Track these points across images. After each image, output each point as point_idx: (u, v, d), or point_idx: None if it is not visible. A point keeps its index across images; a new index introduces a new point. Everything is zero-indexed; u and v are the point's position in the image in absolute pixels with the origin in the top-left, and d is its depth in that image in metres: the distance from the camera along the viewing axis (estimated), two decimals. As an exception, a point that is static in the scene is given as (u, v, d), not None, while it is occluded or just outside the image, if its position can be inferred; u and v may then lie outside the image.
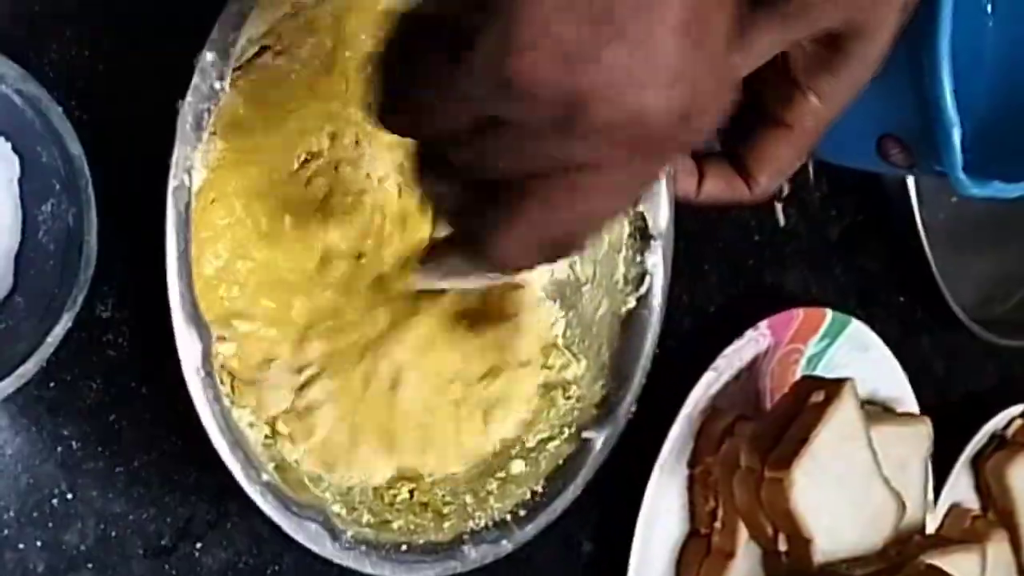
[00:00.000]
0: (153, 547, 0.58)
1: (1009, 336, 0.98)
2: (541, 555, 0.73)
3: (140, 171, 0.51)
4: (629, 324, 0.68)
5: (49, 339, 0.48)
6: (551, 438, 0.67)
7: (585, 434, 0.67)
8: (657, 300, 0.69)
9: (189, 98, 0.50)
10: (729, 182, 0.62)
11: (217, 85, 0.51)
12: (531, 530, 0.64)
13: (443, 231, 0.50)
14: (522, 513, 0.64)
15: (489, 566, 0.69)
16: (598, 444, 0.66)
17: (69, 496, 0.55)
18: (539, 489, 0.65)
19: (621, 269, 0.69)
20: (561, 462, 0.66)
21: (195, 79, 0.50)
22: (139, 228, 0.51)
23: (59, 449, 0.55)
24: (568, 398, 0.68)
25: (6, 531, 0.54)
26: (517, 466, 0.65)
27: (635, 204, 0.59)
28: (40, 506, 0.55)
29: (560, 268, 0.69)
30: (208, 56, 0.50)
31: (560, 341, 0.69)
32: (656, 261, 0.68)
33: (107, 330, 0.55)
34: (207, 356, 0.51)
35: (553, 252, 0.42)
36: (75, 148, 0.48)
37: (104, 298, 0.53)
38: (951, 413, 0.95)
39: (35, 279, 0.50)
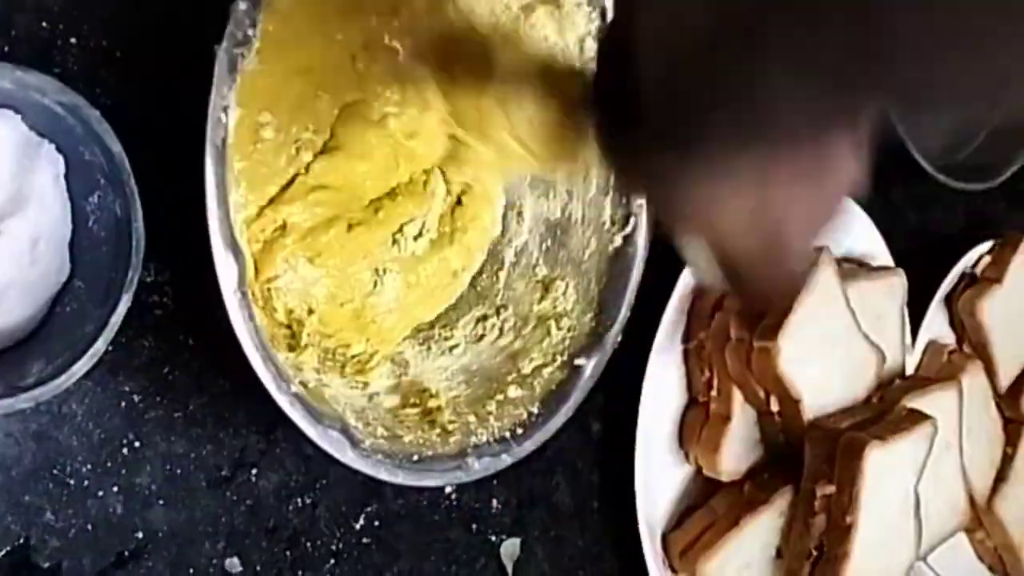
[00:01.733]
0: (214, 478, 0.64)
1: (972, 179, 1.03)
2: (556, 440, 0.80)
3: (165, 143, 0.56)
4: (616, 261, 0.74)
5: (113, 319, 0.53)
6: (544, 365, 0.72)
7: (577, 361, 0.72)
8: (641, 238, 0.74)
9: (224, 43, 0.54)
10: None
11: (250, 32, 0.55)
12: (529, 445, 0.70)
13: None
14: (520, 431, 0.70)
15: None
16: (588, 370, 0.72)
17: (136, 444, 0.62)
18: (535, 410, 0.71)
19: (608, 211, 0.74)
20: (554, 387, 0.72)
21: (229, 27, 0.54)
22: (170, 194, 0.56)
23: (123, 403, 0.61)
24: (560, 329, 0.73)
25: (86, 481, 0.60)
26: (514, 391, 0.71)
27: None
28: (112, 456, 0.61)
29: (553, 209, 0.75)
30: (242, 5, 0.54)
31: (551, 275, 0.75)
32: (641, 202, 0.73)
33: (153, 293, 0.61)
34: (242, 278, 0.56)
35: None
36: (115, 146, 0.53)
37: (147, 265, 0.58)
38: (925, 258, 1.01)
39: (90, 264, 0.55)
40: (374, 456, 0.62)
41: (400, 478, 0.63)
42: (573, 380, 0.72)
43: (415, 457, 0.64)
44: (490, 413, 0.69)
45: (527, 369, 0.72)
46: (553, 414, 0.71)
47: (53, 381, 0.52)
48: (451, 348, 0.72)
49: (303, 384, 0.62)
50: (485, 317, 0.73)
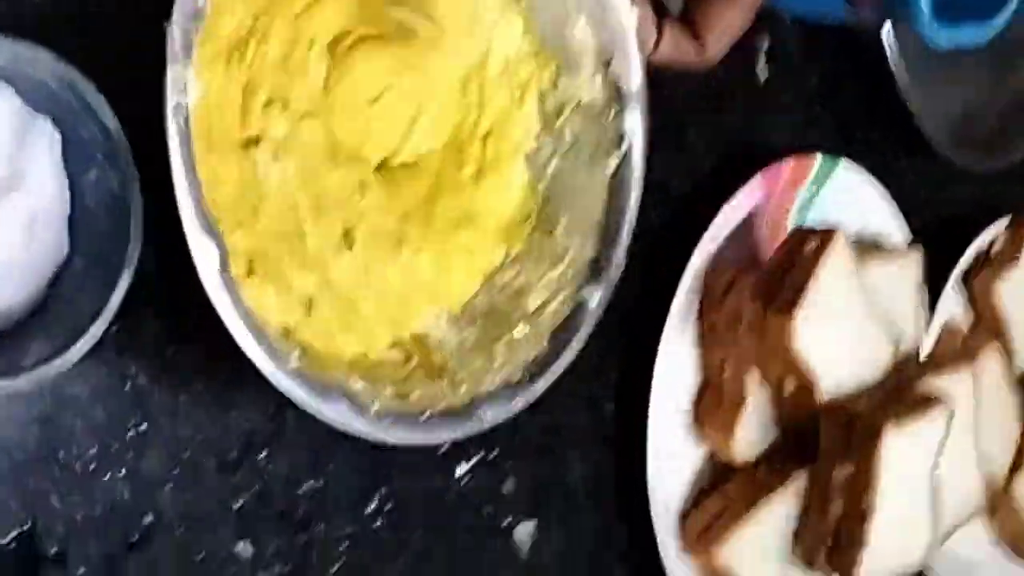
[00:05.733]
0: (223, 461, 0.64)
1: (986, 159, 1.02)
2: (567, 419, 0.79)
3: (162, 119, 0.54)
4: (613, 186, 0.71)
5: (114, 297, 0.52)
6: (548, 301, 0.70)
7: (581, 294, 0.70)
8: (638, 159, 0.71)
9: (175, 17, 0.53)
10: (681, 44, 0.69)
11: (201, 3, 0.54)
12: (540, 386, 0.68)
13: None
14: (529, 373, 0.68)
15: (521, 431, 0.75)
16: (594, 302, 0.70)
17: (142, 427, 0.61)
18: (543, 350, 0.68)
19: (600, 133, 0.71)
20: (561, 322, 0.69)
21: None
22: (169, 170, 0.55)
23: (128, 385, 0.60)
24: (562, 262, 0.71)
25: (92, 465, 0.59)
26: (520, 330, 0.69)
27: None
28: (119, 439, 0.60)
29: (542, 136, 0.73)
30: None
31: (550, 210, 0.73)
32: (633, 122, 0.71)
33: (155, 272, 0.59)
34: (224, 262, 0.55)
35: None
36: (112, 122, 0.52)
37: (149, 243, 0.56)
38: (938, 239, 1.00)
39: (90, 242, 0.54)
40: (384, 420, 0.60)
41: (411, 439, 0.62)
42: (579, 315, 0.70)
43: (424, 416, 0.63)
44: (498, 356, 0.67)
45: (532, 306, 0.70)
46: (562, 352, 0.69)
47: (54, 361, 0.51)
48: None
49: (303, 350, 0.60)
50: None
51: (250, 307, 0.56)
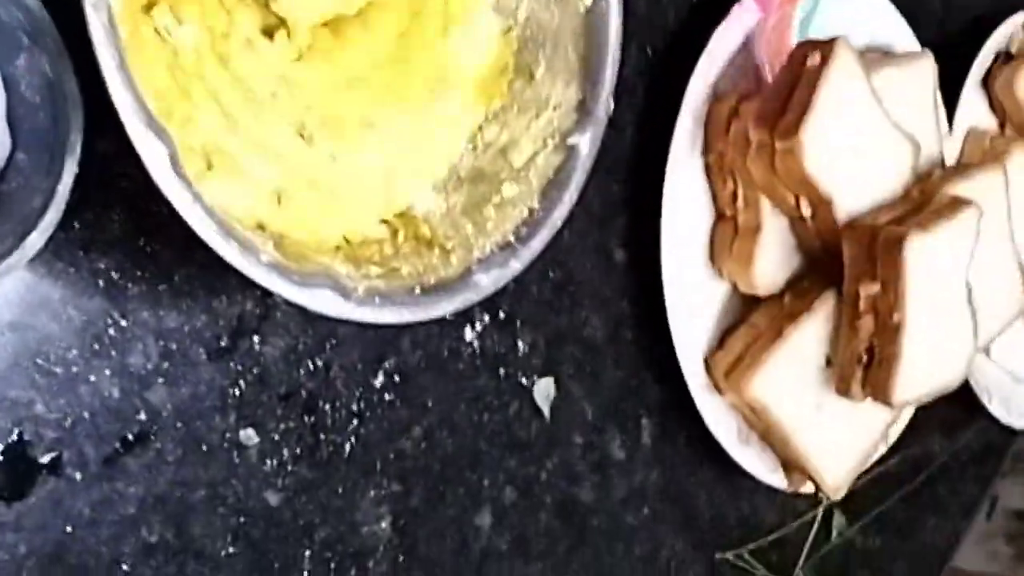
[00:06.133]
0: (214, 349, 0.61)
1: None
2: (578, 271, 0.76)
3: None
4: (591, 21, 0.67)
5: (60, 187, 0.49)
6: (536, 153, 0.66)
7: (570, 140, 0.66)
8: None
9: None
10: None
11: None
12: (536, 245, 0.64)
13: None
14: (523, 232, 0.64)
15: (531, 289, 0.72)
16: (584, 148, 0.66)
17: (123, 323, 0.58)
18: (536, 205, 0.65)
19: None
20: (552, 174, 0.66)
21: None
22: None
23: (101, 282, 0.58)
24: (546, 109, 0.67)
25: (74, 368, 0.57)
26: (509, 189, 0.65)
27: None
28: (99, 338, 0.58)
29: None
30: None
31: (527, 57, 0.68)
32: None
33: (114, 161, 0.57)
34: (175, 158, 0.51)
35: None
36: (31, 0, 0.49)
37: (103, 131, 0.54)
38: (954, 42, 0.96)
39: (31, 133, 0.51)
40: (371, 301, 0.58)
41: (404, 317, 0.59)
42: (570, 162, 0.66)
43: (417, 290, 0.60)
44: (488, 219, 0.64)
45: (520, 162, 0.66)
46: (556, 204, 0.65)
47: (8, 258, 0.48)
48: None
49: (278, 245, 0.57)
50: None
51: (212, 204, 0.53)
